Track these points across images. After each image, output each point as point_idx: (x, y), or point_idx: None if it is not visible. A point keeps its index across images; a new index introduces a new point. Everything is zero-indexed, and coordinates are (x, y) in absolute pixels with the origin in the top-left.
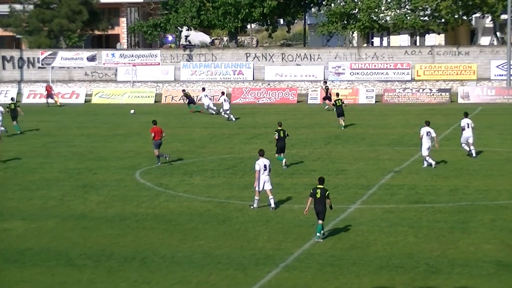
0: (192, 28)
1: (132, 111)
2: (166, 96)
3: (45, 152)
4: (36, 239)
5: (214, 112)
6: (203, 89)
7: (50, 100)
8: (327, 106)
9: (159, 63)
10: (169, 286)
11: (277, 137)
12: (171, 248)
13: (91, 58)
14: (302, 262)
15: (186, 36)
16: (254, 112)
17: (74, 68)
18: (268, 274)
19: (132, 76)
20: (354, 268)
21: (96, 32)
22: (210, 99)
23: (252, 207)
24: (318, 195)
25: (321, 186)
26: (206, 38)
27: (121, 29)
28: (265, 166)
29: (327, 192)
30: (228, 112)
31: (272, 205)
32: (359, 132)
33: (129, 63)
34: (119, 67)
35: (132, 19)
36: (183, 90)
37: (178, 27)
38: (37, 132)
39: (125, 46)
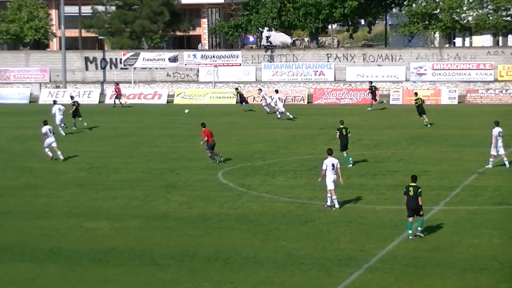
0: (273, 28)
1: (186, 111)
2: (247, 97)
3: (128, 152)
4: (120, 238)
5: (268, 110)
6: (260, 90)
7: (118, 101)
8: (370, 108)
9: (240, 63)
10: (252, 287)
11: (338, 136)
12: (254, 249)
13: (173, 59)
14: (385, 264)
15: (267, 37)
16: (336, 113)
17: (156, 69)
18: (351, 276)
19: (214, 77)
20: (438, 269)
21: (178, 33)
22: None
23: (325, 206)
24: (411, 193)
25: (414, 184)
26: (287, 39)
27: (202, 30)
28: (332, 165)
29: (420, 189)
30: (281, 111)
31: (336, 205)
32: (442, 133)
33: (211, 64)
34: (201, 68)
35: (213, 20)
36: (236, 89)
37: (259, 28)
38: (120, 132)
39: (206, 47)
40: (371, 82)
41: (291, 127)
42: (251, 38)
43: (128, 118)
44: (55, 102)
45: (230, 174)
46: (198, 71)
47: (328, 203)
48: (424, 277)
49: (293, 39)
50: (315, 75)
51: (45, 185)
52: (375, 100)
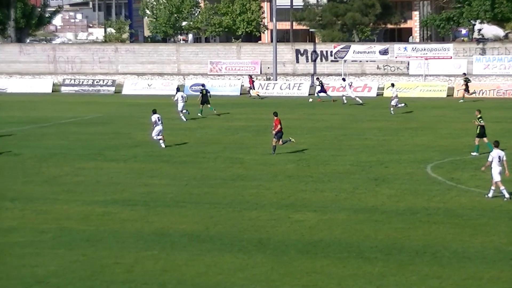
0: (485, 21)
1: (310, 100)
2: (458, 90)
3: (337, 145)
4: (328, 230)
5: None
6: (344, 79)
7: (252, 92)
8: (462, 100)
9: (451, 56)
10: (460, 281)
11: (483, 123)
12: (462, 243)
13: (383, 52)
14: None
15: (479, 30)
16: None
17: (366, 61)
18: None
19: (424, 70)
20: None
21: (389, 26)
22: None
23: (486, 196)
24: None
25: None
26: (500, 32)
27: (414, 22)
28: (499, 157)
29: None
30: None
31: (506, 195)
32: None
33: (421, 57)
34: (411, 61)
35: (424, 13)
36: (317, 78)
37: (471, 21)
38: (329, 125)
39: (417, 40)
40: (465, 74)
41: (503, 121)
42: (463, 31)
43: (337, 111)
44: (178, 90)
45: (439, 168)
46: (408, 64)
47: (490, 194)
48: None
49: (506, 32)
50: None
51: (254, 176)
52: (468, 92)
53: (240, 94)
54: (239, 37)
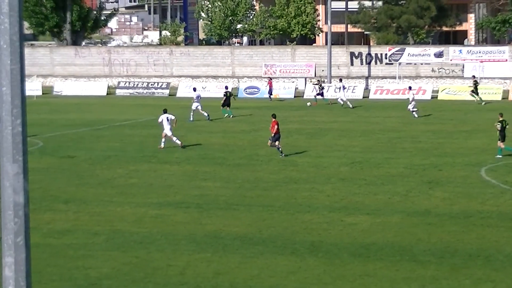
0: None
1: (308, 104)
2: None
3: (390, 148)
4: (381, 233)
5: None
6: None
7: (271, 95)
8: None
9: (506, 59)
10: None
11: (499, 127)
12: None
13: (438, 54)
14: None
15: None
16: None
17: (421, 64)
18: None
19: (479, 73)
20: None
21: (444, 28)
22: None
23: None
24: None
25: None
26: None
27: (469, 25)
28: None
29: None
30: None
31: None
32: None
33: (476, 60)
34: (466, 64)
35: (480, 15)
36: (318, 81)
37: None
38: (382, 127)
39: (473, 42)
40: (474, 76)
41: None
42: None
43: (391, 113)
44: (194, 89)
45: (493, 171)
46: (463, 66)
47: None
48: None
49: None
50: None
51: (307, 179)
52: (476, 93)
53: (294, 96)
54: (293, 40)
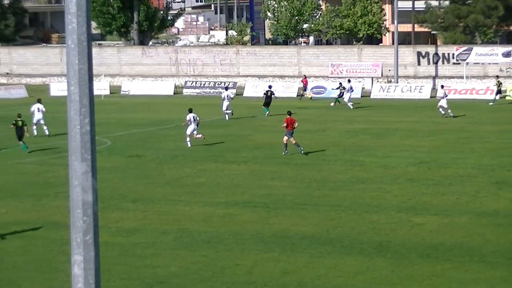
0: None
1: (331, 104)
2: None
3: (458, 148)
4: (449, 234)
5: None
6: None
7: (303, 93)
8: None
9: None
10: None
11: None
12: None
13: (506, 54)
14: None
15: None
16: None
17: (489, 64)
18: None
19: None
20: None
21: (511, 28)
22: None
23: None
24: None
25: None
26: None
27: None
28: None
29: None
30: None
31: None
32: None
33: None
34: None
35: None
36: (340, 83)
37: None
38: (451, 127)
39: None
40: (497, 76)
41: None
42: None
43: (458, 113)
44: (226, 89)
45: None
46: None
47: None
48: None
49: None
50: None
51: (374, 179)
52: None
53: (361, 96)
54: (360, 40)
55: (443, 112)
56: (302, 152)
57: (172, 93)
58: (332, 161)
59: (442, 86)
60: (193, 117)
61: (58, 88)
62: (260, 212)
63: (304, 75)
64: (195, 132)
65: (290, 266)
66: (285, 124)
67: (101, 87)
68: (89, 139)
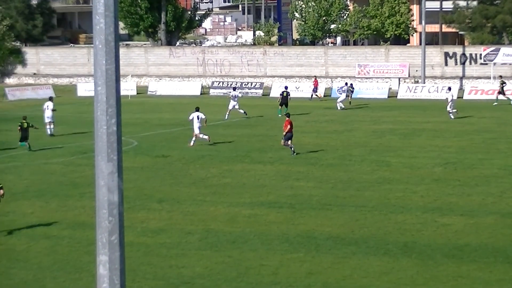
0: None
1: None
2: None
3: (485, 149)
4: (475, 235)
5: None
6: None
7: (314, 94)
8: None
9: None
10: None
11: None
12: None
13: None
14: None
15: None
16: None
17: None
18: None
19: None
20: None
21: None
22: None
23: None
24: None
25: None
26: None
27: None
28: None
29: None
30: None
31: None
32: None
33: None
34: None
35: None
36: (346, 83)
37: None
38: (477, 128)
39: None
40: (501, 76)
41: None
42: None
43: (485, 114)
44: (234, 89)
45: None
46: None
47: None
48: None
49: None
50: None
51: (400, 179)
52: (503, 94)
53: (388, 97)
54: (387, 40)
55: (452, 117)
56: (294, 153)
57: (199, 94)
58: (358, 161)
59: (450, 88)
60: (197, 116)
61: (85, 88)
62: (286, 213)
63: (315, 76)
64: (197, 131)
65: (315, 267)
66: (288, 127)
67: (128, 88)
68: (116, 140)
